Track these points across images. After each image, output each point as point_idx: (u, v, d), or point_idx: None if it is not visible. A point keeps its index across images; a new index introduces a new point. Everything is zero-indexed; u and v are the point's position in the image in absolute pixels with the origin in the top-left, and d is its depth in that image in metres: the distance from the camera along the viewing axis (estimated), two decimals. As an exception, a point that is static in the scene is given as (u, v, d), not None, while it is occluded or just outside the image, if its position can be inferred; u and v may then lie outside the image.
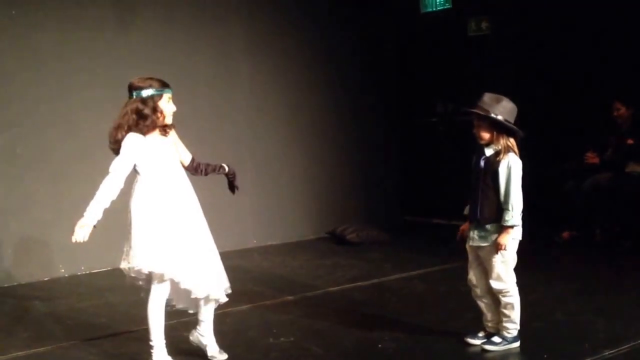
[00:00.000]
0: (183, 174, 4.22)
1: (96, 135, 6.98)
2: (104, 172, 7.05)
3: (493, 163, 4.12)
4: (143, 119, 4.00)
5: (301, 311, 5.38)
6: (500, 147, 4.12)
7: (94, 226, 3.98)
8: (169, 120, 4.12)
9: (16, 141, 6.74)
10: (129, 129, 4.01)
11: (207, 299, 4.22)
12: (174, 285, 4.10)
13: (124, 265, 4.13)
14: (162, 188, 4.07)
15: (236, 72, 8.04)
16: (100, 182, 6.58)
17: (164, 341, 4.17)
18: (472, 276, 4.42)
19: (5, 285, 6.60)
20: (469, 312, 4.80)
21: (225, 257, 4.32)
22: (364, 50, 8.93)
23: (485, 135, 4.15)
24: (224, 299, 4.27)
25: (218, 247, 4.32)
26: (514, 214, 4.08)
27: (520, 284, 4.36)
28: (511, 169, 4.08)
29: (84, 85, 7.05)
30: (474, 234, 4.27)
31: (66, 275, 6.92)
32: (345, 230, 7.99)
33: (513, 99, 4.27)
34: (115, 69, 7.13)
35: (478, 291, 4.41)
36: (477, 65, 8.46)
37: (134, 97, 4.04)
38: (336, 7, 8.72)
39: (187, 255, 4.06)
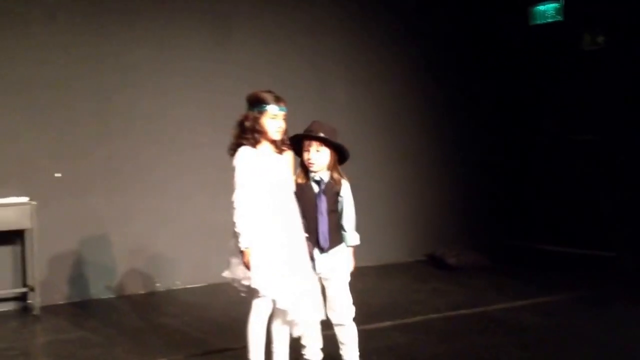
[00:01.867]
0: (291, 194, 4.16)
1: (193, 151, 7.09)
2: (201, 187, 7.12)
3: (333, 188, 4.17)
4: (244, 132, 4.04)
5: (401, 338, 5.19)
6: (335, 173, 4.19)
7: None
8: (274, 136, 4.08)
9: (115, 155, 6.83)
10: (236, 140, 4.06)
11: (292, 323, 4.15)
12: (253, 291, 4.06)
13: (226, 274, 4.15)
14: (268, 203, 4.02)
15: (332, 88, 7.95)
16: (198, 197, 6.68)
17: None
18: None
19: (103, 297, 6.70)
20: (585, 347, 4.48)
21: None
22: (468, 64, 8.68)
23: (326, 162, 4.17)
24: (316, 322, 4.23)
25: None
26: (355, 233, 4.27)
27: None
28: (349, 193, 4.22)
29: (180, 100, 7.10)
30: (320, 261, 4.18)
31: (162, 289, 6.96)
32: (445, 253, 7.73)
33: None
34: (211, 85, 7.20)
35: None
36: (592, 81, 8.04)
37: (247, 110, 4.09)
38: (438, 19, 8.51)
39: (289, 277, 4.00)
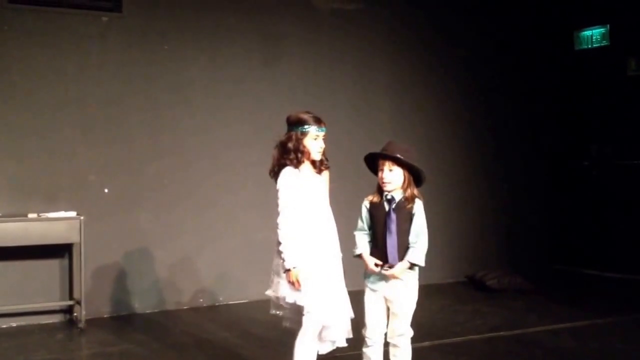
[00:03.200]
0: (329, 212, 4.20)
1: (241, 170, 7.18)
2: (248, 206, 7.20)
3: (405, 207, 4.09)
4: (287, 153, 4.07)
5: (440, 358, 5.15)
6: (409, 192, 4.11)
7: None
8: (315, 156, 4.12)
9: (164, 172, 6.96)
10: (278, 162, 4.10)
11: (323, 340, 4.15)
12: (297, 309, 4.07)
13: (269, 292, 4.17)
14: (310, 224, 4.06)
15: (377, 109, 8.01)
16: (244, 215, 6.72)
17: None
18: (374, 324, 4.15)
19: (147, 311, 6.80)
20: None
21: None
22: (512, 89, 8.65)
23: (400, 181, 4.11)
24: (343, 344, 4.18)
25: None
26: (419, 252, 4.08)
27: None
28: (420, 211, 4.11)
29: (230, 119, 7.23)
30: (385, 279, 4.07)
31: (205, 305, 7.03)
32: (486, 275, 7.67)
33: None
34: (260, 105, 7.28)
35: (374, 340, 4.16)
36: (637, 106, 7.95)
37: (287, 131, 4.12)
38: (483, 44, 8.53)
39: (329, 294, 4.03)
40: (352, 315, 4.14)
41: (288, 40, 7.56)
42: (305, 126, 4.07)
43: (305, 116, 4.10)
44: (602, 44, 8.38)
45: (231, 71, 7.27)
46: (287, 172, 4.05)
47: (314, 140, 4.09)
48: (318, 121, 4.11)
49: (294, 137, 4.07)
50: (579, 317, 6.27)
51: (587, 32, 8.53)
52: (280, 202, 4.03)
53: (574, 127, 8.69)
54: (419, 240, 4.06)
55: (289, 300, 3.99)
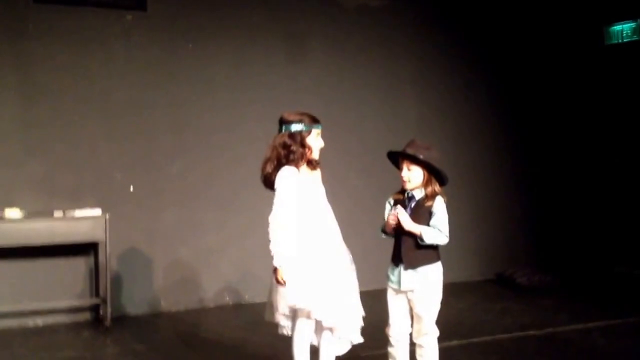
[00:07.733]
0: (330, 210, 4.15)
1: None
2: (270, 203, 7.16)
3: (424, 205, 4.03)
4: (291, 153, 4.02)
5: (469, 358, 5.08)
6: (429, 190, 4.06)
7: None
8: (315, 155, 4.11)
9: (188, 169, 6.96)
10: (278, 163, 4.03)
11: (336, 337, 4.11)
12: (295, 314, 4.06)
13: (272, 298, 4.14)
14: (311, 224, 4.02)
15: (403, 106, 7.94)
16: (269, 212, 6.62)
17: None
18: (397, 323, 4.10)
19: (173, 310, 6.80)
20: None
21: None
22: (540, 85, 8.52)
23: (419, 180, 4.07)
24: (358, 340, 4.13)
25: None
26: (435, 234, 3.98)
27: None
28: (440, 207, 4.03)
29: (253, 116, 7.18)
30: (405, 277, 4.00)
31: (231, 303, 7.03)
32: (516, 273, 7.60)
33: None
34: (284, 102, 7.21)
35: (397, 339, 4.12)
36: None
37: (283, 131, 4.07)
38: (511, 39, 8.41)
39: (333, 294, 3.98)
40: (362, 313, 4.10)
41: (312, 37, 7.53)
42: (307, 125, 4.06)
43: (305, 115, 4.09)
44: (633, 39, 8.23)
45: (255, 69, 7.25)
46: (288, 172, 4.00)
47: (316, 139, 4.09)
48: (316, 120, 4.11)
49: (296, 136, 4.04)
50: (610, 316, 6.17)
51: (617, 27, 8.38)
52: (277, 200, 3.99)
53: (604, 123, 8.53)
54: (437, 225, 3.98)
55: (291, 303, 3.94)
